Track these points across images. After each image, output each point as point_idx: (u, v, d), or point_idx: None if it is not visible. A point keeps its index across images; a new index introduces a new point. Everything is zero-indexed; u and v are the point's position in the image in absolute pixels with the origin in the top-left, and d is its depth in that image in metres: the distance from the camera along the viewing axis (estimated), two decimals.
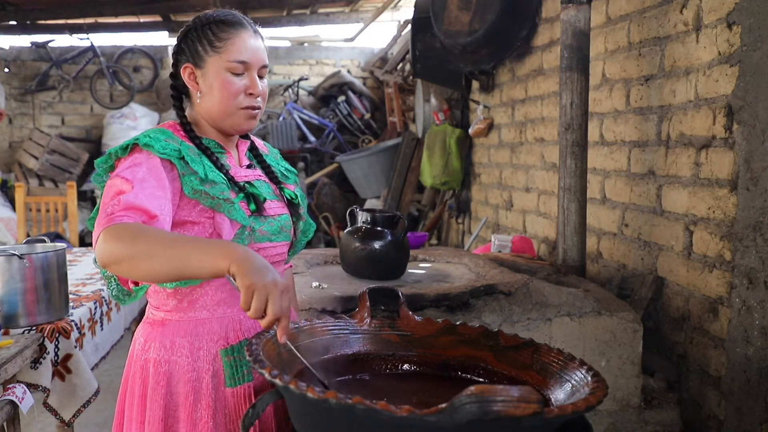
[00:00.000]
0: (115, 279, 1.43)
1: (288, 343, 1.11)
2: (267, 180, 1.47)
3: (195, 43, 1.37)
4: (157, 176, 1.25)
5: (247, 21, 1.39)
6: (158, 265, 1.10)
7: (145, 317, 1.42)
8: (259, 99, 1.38)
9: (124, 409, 1.39)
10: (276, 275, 1.07)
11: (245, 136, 1.50)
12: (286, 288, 1.08)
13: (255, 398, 1.33)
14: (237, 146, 1.46)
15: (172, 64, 1.42)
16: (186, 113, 1.41)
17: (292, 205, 1.47)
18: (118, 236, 1.12)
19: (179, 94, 1.43)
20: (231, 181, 1.35)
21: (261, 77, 1.39)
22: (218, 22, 1.36)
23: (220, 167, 1.36)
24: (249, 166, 1.46)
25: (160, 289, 1.35)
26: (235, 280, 1.07)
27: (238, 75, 1.35)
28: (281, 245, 1.44)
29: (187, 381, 1.32)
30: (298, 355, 1.14)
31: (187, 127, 1.39)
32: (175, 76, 1.41)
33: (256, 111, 1.38)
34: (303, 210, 1.51)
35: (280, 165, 1.55)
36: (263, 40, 1.42)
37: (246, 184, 1.37)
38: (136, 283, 1.38)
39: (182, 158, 1.30)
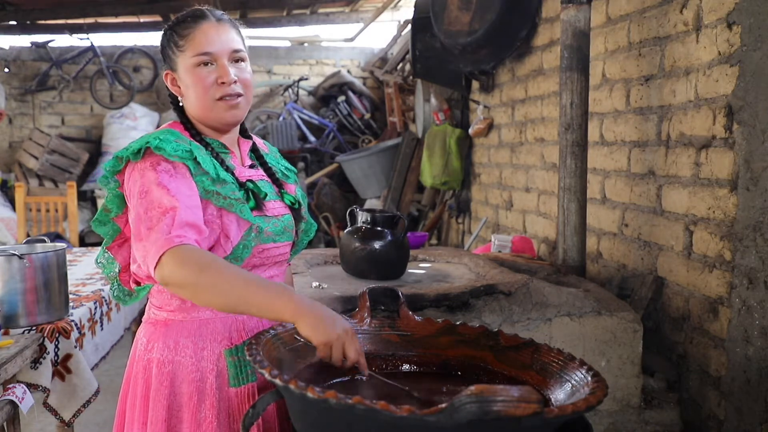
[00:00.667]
0: (117, 279, 1.43)
1: (373, 374, 1.22)
2: (269, 180, 1.47)
3: (166, 49, 1.38)
4: (188, 184, 1.27)
5: (209, 11, 1.37)
6: (220, 300, 1.17)
7: (146, 317, 1.42)
8: (235, 86, 1.34)
9: (126, 410, 1.38)
10: (342, 322, 1.17)
11: (247, 136, 1.49)
12: (353, 330, 1.19)
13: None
14: (239, 146, 1.46)
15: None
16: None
17: (292, 208, 1.47)
18: (184, 262, 1.16)
19: (176, 101, 1.43)
20: (236, 181, 1.35)
21: (238, 62, 1.36)
22: (180, 22, 1.37)
23: (221, 162, 1.36)
24: (252, 166, 1.46)
25: (163, 289, 1.35)
26: (301, 337, 1.16)
27: (207, 68, 1.33)
28: (284, 245, 1.44)
29: (191, 381, 1.32)
30: (388, 381, 1.20)
31: (188, 126, 1.39)
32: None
33: (236, 99, 1.35)
34: (304, 210, 1.51)
35: (279, 164, 1.55)
36: (234, 26, 1.39)
37: (248, 183, 1.37)
38: (138, 283, 1.38)
39: (194, 158, 1.30)
